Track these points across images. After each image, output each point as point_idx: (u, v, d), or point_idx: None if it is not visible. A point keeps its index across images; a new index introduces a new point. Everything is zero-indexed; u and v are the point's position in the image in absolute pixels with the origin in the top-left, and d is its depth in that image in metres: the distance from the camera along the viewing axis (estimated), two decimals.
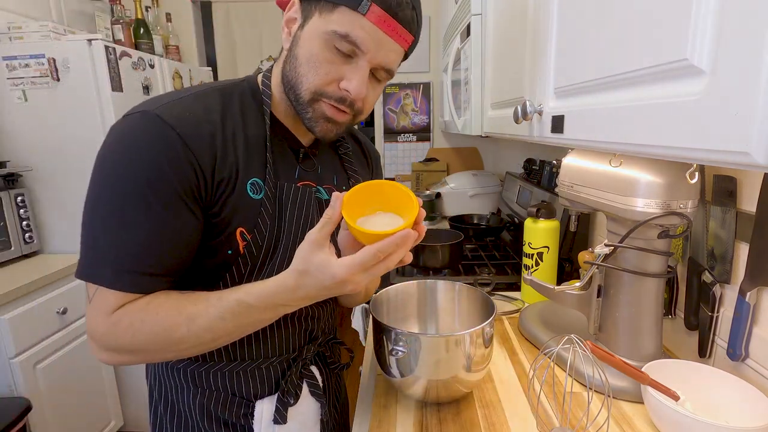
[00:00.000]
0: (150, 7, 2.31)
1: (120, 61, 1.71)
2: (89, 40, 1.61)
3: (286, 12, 0.59)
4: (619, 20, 0.46)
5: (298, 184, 0.63)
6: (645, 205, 0.66)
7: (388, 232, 0.48)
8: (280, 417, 0.65)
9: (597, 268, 0.77)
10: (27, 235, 1.64)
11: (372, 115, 2.64)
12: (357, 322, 1.59)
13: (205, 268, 0.59)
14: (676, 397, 0.62)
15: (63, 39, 1.65)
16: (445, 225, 1.93)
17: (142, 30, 2.13)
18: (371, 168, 0.81)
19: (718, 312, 0.74)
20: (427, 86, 2.53)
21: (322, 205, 0.67)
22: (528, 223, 1.09)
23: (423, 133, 2.59)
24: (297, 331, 0.68)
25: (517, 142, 1.97)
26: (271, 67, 0.65)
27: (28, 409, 1.32)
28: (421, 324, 0.85)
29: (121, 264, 0.51)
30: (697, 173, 0.59)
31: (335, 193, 0.51)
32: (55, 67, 1.62)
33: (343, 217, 0.51)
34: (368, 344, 0.92)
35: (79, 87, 1.63)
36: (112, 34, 2.06)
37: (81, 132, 1.66)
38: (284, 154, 0.64)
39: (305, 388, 0.69)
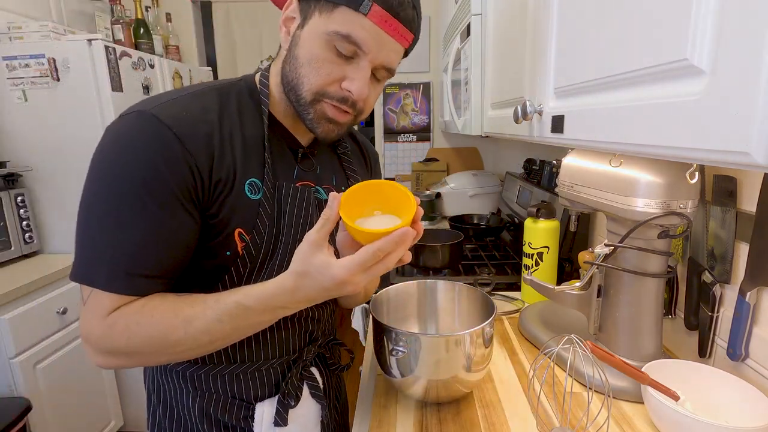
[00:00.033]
0: (150, 7, 2.31)
1: (120, 61, 1.72)
2: (89, 40, 1.61)
3: (284, 11, 0.58)
4: (619, 20, 0.46)
5: (297, 185, 0.63)
6: (645, 205, 0.66)
7: (386, 230, 0.48)
8: (280, 419, 0.65)
9: (597, 268, 0.77)
10: (27, 235, 1.64)
11: (372, 115, 2.64)
12: (357, 322, 1.59)
13: (204, 270, 0.58)
14: (676, 397, 0.62)
15: (63, 39, 1.65)
16: (445, 225, 1.93)
17: (142, 30, 2.13)
18: (370, 168, 0.81)
19: (718, 312, 0.74)
20: (427, 86, 2.53)
21: (322, 205, 0.66)
22: (528, 223, 1.09)
23: (423, 133, 2.59)
24: (297, 333, 0.68)
25: (517, 142, 1.97)
26: (269, 66, 0.64)
27: (28, 409, 1.32)
28: (421, 324, 0.85)
29: (117, 265, 0.50)
30: (697, 173, 0.59)
31: (332, 194, 0.51)
32: (55, 67, 1.62)
33: (341, 218, 0.50)
34: (368, 344, 0.92)
35: (79, 87, 1.63)
36: (112, 34, 2.06)
37: (81, 132, 1.66)
38: (283, 154, 0.63)
39: (306, 390, 0.69)
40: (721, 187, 0.73)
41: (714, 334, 0.75)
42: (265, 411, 0.65)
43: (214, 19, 2.64)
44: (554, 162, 0.95)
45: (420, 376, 0.65)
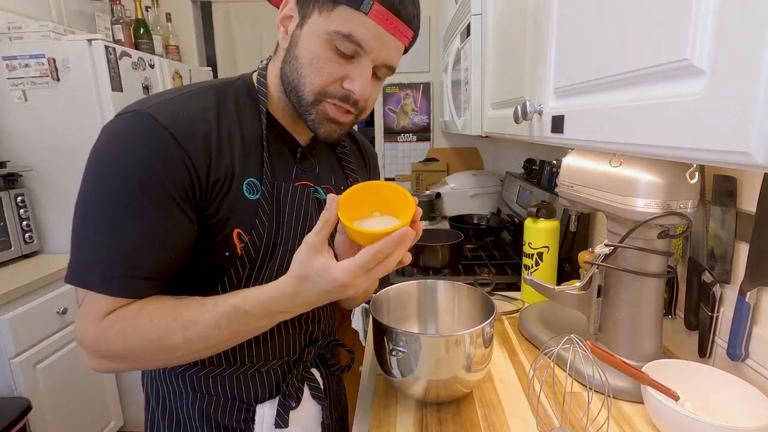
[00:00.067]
0: (150, 7, 2.31)
1: (120, 61, 1.72)
2: (89, 40, 1.61)
3: (281, 9, 0.57)
4: (619, 20, 0.46)
5: (296, 184, 0.62)
6: (645, 205, 0.66)
7: (386, 230, 0.48)
8: (281, 421, 0.64)
9: (597, 268, 0.77)
10: (27, 235, 1.64)
11: (372, 115, 2.64)
12: (357, 322, 1.59)
13: (203, 271, 0.58)
14: (676, 397, 0.62)
15: (63, 39, 1.65)
16: (445, 225, 1.93)
17: (142, 30, 2.13)
18: (369, 167, 0.81)
19: (718, 312, 0.74)
20: (427, 86, 2.53)
21: (321, 205, 0.66)
22: (528, 223, 1.09)
23: (423, 133, 2.59)
24: (298, 334, 0.68)
25: (517, 142, 1.97)
26: (266, 65, 0.63)
27: (28, 409, 1.32)
28: (421, 324, 0.85)
29: (112, 266, 0.50)
30: (697, 173, 0.59)
31: (331, 195, 0.50)
32: (55, 67, 1.62)
33: (339, 220, 0.50)
34: (368, 344, 0.92)
35: (79, 87, 1.63)
36: (112, 34, 2.07)
37: (81, 132, 1.66)
38: (281, 153, 0.63)
39: (306, 391, 0.69)
40: (721, 187, 0.73)
41: (714, 334, 0.75)
42: (265, 413, 0.65)
43: (214, 19, 2.64)
44: (554, 162, 0.95)
45: (420, 376, 0.65)
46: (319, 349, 0.72)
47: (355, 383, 0.93)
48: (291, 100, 0.59)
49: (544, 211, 1.07)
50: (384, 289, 0.80)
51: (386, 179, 2.64)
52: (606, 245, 0.76)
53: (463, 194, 2.11)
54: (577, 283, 0.82)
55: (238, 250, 0.57)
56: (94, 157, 0.51)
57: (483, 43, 1.20)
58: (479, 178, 2.15)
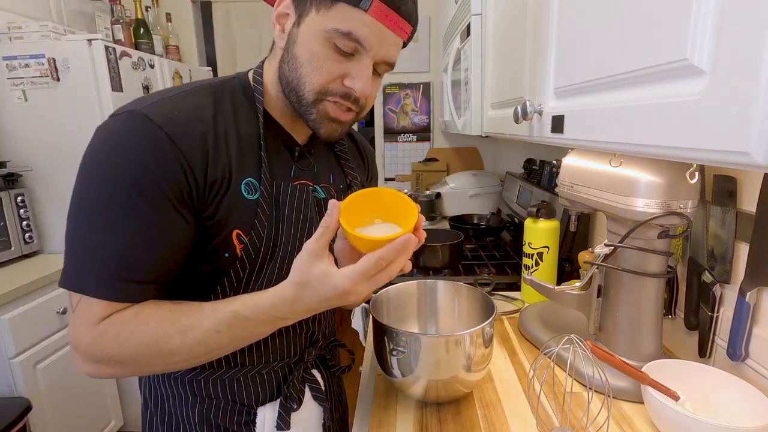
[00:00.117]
0: (150, 7, 2.31)
1: (120, 61, 1.72)
2: (89, 40, 1.61)
3: (276, 7, 0.56)
4: (619, 20, 0.46)
5: (295, 183, 0.61)
6: (645, 205, 0.66)
7: (388, 237, 0.47)
8: (283, 423, 0.64)
9: (597, 268, 0.77)
10: (27, 235, 1.64)
11: (372, 115, 2.64)
12: (357, 322, 1.59)
13: (202, 273, 0.57)
14: (676, 397, 0.62)
15: (63, 39, 1.65)
16: (445, 225, 1.93)
17: (142, 30, 2.13)
18: (367, 166, 0.80)
19: (718, 312, 0.74)
20: (427, 86, 2.53)
21: (320, 204, 0.65)
22: (528, 223, 1.09)
23: (423, 133, 2.59)
24: (298, 335, 0.67)
25: (517, 142, 1.97)
26: (262, 63, 0.63)
27: (28, 409, 1.32)
28: (421, 324, 0.85)
29: (106, 270, 0.49)
30: (697, 173, 0.59)
31: (332, 201, 0.50)
32: (55, 67, 1.62)
33: (340, 226, 0.49)
34: (368, 344, 0.92)
35: (79, 87, 1.63)
36: (112, 34, 2.07)
37: (81, 132, 1.66)
38: (279, 152, 0.62)
39: (307, 393, 0.68)
40: (721, 187, 0.73)
41: (714, 334, 0.75)
42: (266, 415, 0.64)
43: (214, 19, 2.64)
44: (554, 162, 0.95)
45: (420, 376, 0.65)
46: (319, 350, 0.72)
47: (355, 383, 0.93)
48: (290, 100, 0.58)
49: (544, 211, 1.07)
50: (384, 289, 0.80)
51: (386, 179, 2.65)
52: (606, 245, 0.76)
53: (463, 194, 2.11)
54: (577, 283, 0.82)
55: (238, 251, 0.56)
56: (89, 159, 0.50)
57: (483, 43, 1.20)
58: (479, 178, 2.15)
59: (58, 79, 1.63)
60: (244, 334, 0.53)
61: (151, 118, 0.50)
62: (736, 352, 0.69)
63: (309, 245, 0.49)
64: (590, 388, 0.68)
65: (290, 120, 0.62)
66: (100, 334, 0.50)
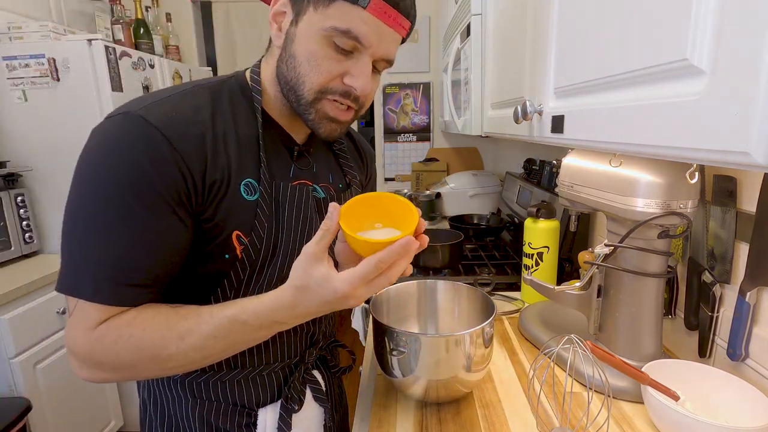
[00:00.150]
0: (150, 7, 2.31)
1: (120, 61, 1.72)
2: (89, 40, 1.61)
3: (272, 5, 0.56)
4: (619, 20, 0.46)
5: (294, 183, 0.61)
6: (645, 205, 0.66)
7: (388, 240, 0.46)
8: (284, 424, 0.63)
9: (597, 268, 0.77)
10: (27, 235, 1.65)
11: (372, 115, 2.64)
12: (357, 322, 1.59)
13: (202, 275, 0.56)
14: (676, 397, 0.62)
15: (63, 39, 1.65)
16: (445, 225, 1.93)
17: (142, 30, 2.13)
18: (366, 165, 0.80)
19: (718, 312, 0.74)
20: (427, 86, 2.53)
21: (320, 204, 0.65)
22: (528, 223, 1.09)
23: (423, 133, 2.59)
24: (299, 335, 0.67)
25: (517, 142, 1.97)
26: (259, 62, 0.62)
27: (28, 409, 1.32)
28: (421, 324, 0.85)
29: (103, 273, 0.48)
30: (697, 173, 0.59)
31: (332, 204, 0.49)
32: (55, 67, 1.62)
33: (340, 229, 0.49)
34: (368, 344, 0.92)
35: (79, 87, 1.63)
36: (112, 34, 2.07)
37: (81, 132, 1.66)
38: (278, 152, 0.61)
39: (308, 394, 0.68)
40: (721, 187, 0.73)
41: (714, 334, 0.75)
42: (267, 417, 0.64)
43: (214, 19, 2.64)
44: (554, 162, 0.95)
45: (420, 376, 0.65)
46: (320, 350, 0.72)
47: (355, 384, 0.93)
48: (289, 99, 0.57)
49: (544, 211, 1.07)
50: (384, 289, 0.80)
51: (386, 179, 2.65)
52: (606, 245, 0.76)
53: (463, 194, 2.11)
54: (577, 283, 0.82)
55: (238, 252, 0.55)
56: (84, 161, 0.49)
57: (483, 43, 1.20)
58: (479, 178, 2.15)
59: (58, 79, 1.63)
60: (242, 339, 0.52)
61: (147, 120, 0.49)
62: (736, 352, 0.69)
63: (308, 248, 0.48)
64: (590, 388, 0.68)
65: (288, 119, 0.62)
66: (97, 338, 0.49)
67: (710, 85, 0.33)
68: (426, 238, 0.51)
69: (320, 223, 0.49)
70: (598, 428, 0.62)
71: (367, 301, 0.79)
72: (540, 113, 0.71)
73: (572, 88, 0.60)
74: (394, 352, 0.65)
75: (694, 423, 0.55)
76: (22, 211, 1.62)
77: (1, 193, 1.55)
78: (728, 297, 0.73)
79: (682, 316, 0.83)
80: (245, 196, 0.55)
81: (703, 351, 0.77)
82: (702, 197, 0.77)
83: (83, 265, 0.49)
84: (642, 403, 0.67)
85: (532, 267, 1.09)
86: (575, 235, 1.23)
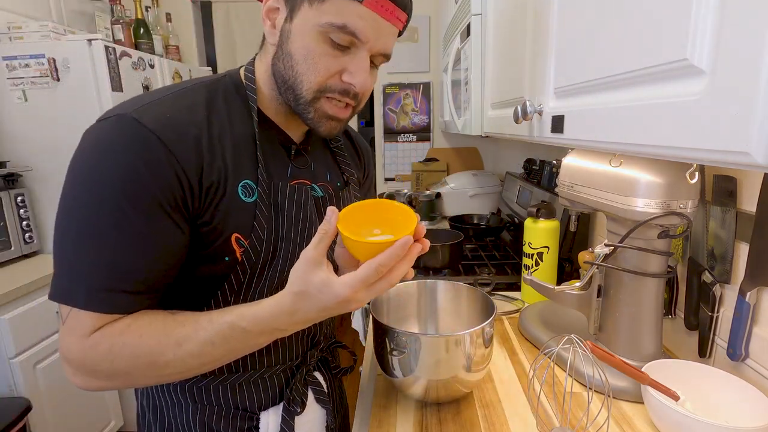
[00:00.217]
0: (150, 7, 2.31)
1: (120, 61, 1.72)
2: (89, 40, 1.61)
3: (265, 2, 0.54)
4: (619, 20, 0.46)
5: (293, 183, 0.60)
6: (645, 205, 0.66)
7: (387, 240, 0.46)
8: (287, 427, 0.63)
9: (597, 268, 0.77)
10: (27, 235, 1.64)
11: (372, 115, 2.64)
12: (357, 322, 1.59)
13: (202, 278, 0.55)
14: (676, 397, 0.62)
15: (63, 39, 1.65)
16: (445, 225, 1.93)
17: (142, 30, 2.13)
18: (363, 162, 0.79)
19: (718, 312, 0.74)
20: (427, 86, 2.53)
21: (319, 203, 0.64)
22: (528, 223, 1.09)
23: (423, 133, 2.59)
24: (300, 337, 0.66)
25: (517, 142, 1.97)
26: (253, 60, 0.61)
27: (28, 409, 1.32)
28: (421, 324, 0.85)
29: (96, 280, 0.47)
30: (697, 173, 0.59)
31: (330, 207, 0.48)
32: (55, 67, 1.62)
33: (338, 233, 0.48)
34: (368, 344, 0.92)
35: (79, 87, 1.63)
36: (112, 34, 2.07)
37: (81, 132, 1.63)
38: (275, 152, 0.60)
39: (310, 396, 0.68)
40: (721, 187, 0.73)
41: (714, 334, 0.75)
42: (270, 420, 0.63)
43: (214, 19, 2.64)
44: (554, 162, 0.95)
45: (420, 376, 0.65)
46: (321, 351, 0.72)
47: (355, 384, 0.93)
48: (286, 98, 0.56)
49: (544, 211, 1.07)
50: None
51: (386, 179, 2.65)
52: (606, 245, 0.76)
53: (463, 194, 2.11)
54: (577, 283, 0.82)
55: (238, 255, 0.54)
56: (77, 165, 0.48)
57: (483, 43, 1.20)
58: (479, 178, 2.15)
59: (58, 79, 1.63)
60: (241, 346, 0.51)
61: (141, 122, 0.48)
62: (736, 352, 0.69)
63: (307, 253, 0.47)
64: (590, 388, 0.68)
65: (285, 118, 0.61)
66: (91, 346, 0.48)
67: (710, 85, 0.33)
68: (427, 242, 0.50)
69: (320, 223, 0.49)
70: (598, 428, 0.62)
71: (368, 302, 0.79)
72: (540, 113, 0.71)
73: (572, 88, 0.60)
74: (394, 352, 0.65)
75: (694, 423, 0.55)
76: (22, 211, 1.62)
77: (1, 193, 1.55)
78: (728, 297, 0.73)
79: (682, 316, 0.83)
80: (243, 198, 0.54)
81: (703, 351, 0.77)
82: (702, 197, 0.77)
83: (76, 271, 0.47)
84: (642, 403, 0.67)
85: (532, 267, 1.09)
86: (575, 235, 1.23)
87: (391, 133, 2.60)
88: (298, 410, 0.65)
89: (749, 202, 0.69)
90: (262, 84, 0.59)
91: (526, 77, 0.80)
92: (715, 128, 0.32)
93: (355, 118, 3.15)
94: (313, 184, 0.64)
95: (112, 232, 0.47)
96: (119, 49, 1.72)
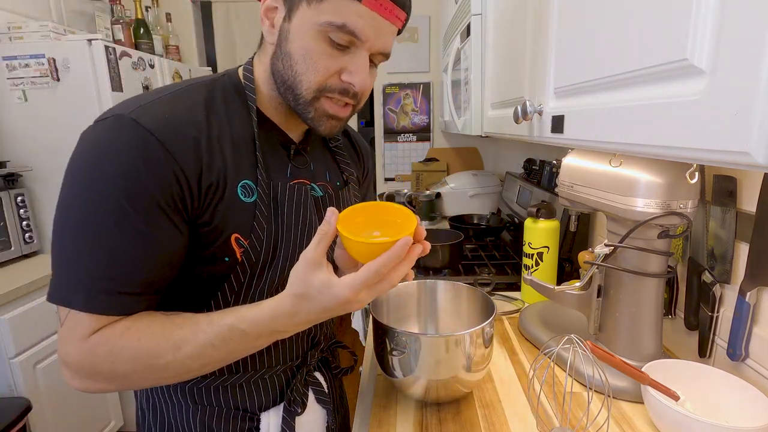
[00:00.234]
0: (150, 7, 2.31)
1: (120, 61, 1.72)
2: (89, 40, 1.61)
3: (264, 1, 0.54)
4: (619, 20, 0.46)
5: (292, 183, 0.59)
6: (645, 205, 0.66)
7: (387, 240, 0.45)
8: (288, 428, 0.63)
9: (597, 268, 0.77)
10: (27, 235, 1.64)
11: (372, 115, 2.64)
12: (357, 322, 1.59)
13: (201, 279, 0.55)
14: (676, 397, 0.62)
15: (63, 39, 1.65)
16: (445, 225, 1.93)
17: (142, 30, 2.13)
18: (362, 161, 0.79)
19: (718, 312, 0.74)
20: (427, 86, 2.53)
21: (318, 203, 0.64)
22: (528, 223, 1.09)
23: (423, 133, 2.59)
24: (301, 337, 0.66)
25: (517, 142, 1.97)
26: (251, 59, 0.61)
27: (28, 409, 1.32)
28: (421, 324, 0.85)
29: (95, 282, 0.46)
30: (697, 173, 0.59)
31: (330, 208, 0.48)
32: (55, 67, 1.62)
33: (338, 234, 0.48)
34: (368, 344, 0.92)
35: (79, 87, 1.63)
36: (112, 34, 2.07)
37: (81, 132, 1.66)
38: (274, 151, 0.60)
39: (311, 396, 0.68)
40: (721, 187, 0.73)
41: (714, 334, 0.75)
42: (271, 421, 0.63)
43: (214, 19, 2.64)
44: (554, 162, 0.95)
45: (420, 376, 0.65)
46: (321, 352, 0.72)
47: (355, 384, 0.93)
48: (286, 98, 0.56)
49: (544, 211, 1.07)
50: None
51: (386, 179, 2.65)
52: (606, 245, 0.76)
53: (463, 194, 2.11)
54: (577, 283, 0.82)
55: (238, 255, 0.54)
56: (75, 165, 0.48)
57: (483, 43, 1.20)
58: (479, 178, 2.15)
59: (58, 79, 1.63)
60: (241, 348, 0.51)
61: (139, 123, 0.47)
62: (736, 352, 0.69)
63: (307, 254, 0.47)
64: (590, 388, 0.68)
65: (284, 117, 0.60)
66: (90, 349, 0.48)
67: (710, 85, 0.33)
68: (428, 244, 0.50)
69: (320, 223, 0.49)
70: (598, 428, 0.62)
71: None
72: (540, 113, 0.71)
73: (572, 88, 0.60)
74: (395, 352, 0.65)
75: (694, 423, 0.55)
76: (22, 211, 1.62)
77: (1, 193, 1.55)
78: (728, 297, 0.73)
79: (682, 316, 0.83)
80: (242, 198, 0.54)
81: (703, 351, 0.77)
82: (702, 197, 0.77)
83: (74, 273, 0.47)
84: (642, 403, 0.67)
85: (532, 267, 1.09)
86: (575, 235, 1.23)
87: (391, 133, 2.60)
88: (299, 410, 0.65)
89: (749, 202, 0.69)
90: (261, 83, 0.59)
91: (526, 77, 0.80)
92: (715, 128, 0.32)
93: (355, 117, 3.15)
94: (312, 184, 0.64)
95: (112, 230, 0.46)
96: (119, 49, 1.72)
